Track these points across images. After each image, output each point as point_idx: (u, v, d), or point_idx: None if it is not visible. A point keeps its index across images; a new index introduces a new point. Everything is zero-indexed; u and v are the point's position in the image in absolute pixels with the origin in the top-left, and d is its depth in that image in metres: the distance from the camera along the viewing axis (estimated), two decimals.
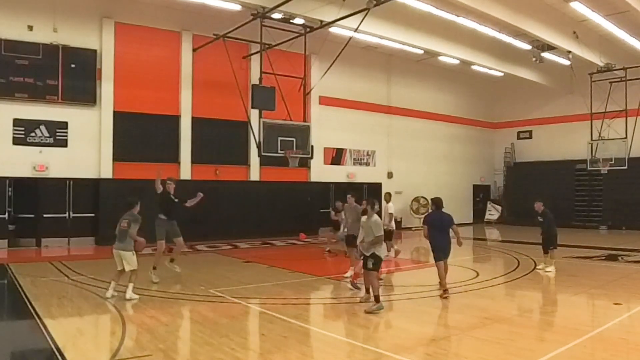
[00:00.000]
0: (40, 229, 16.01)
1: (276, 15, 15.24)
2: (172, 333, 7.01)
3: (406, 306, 8.86)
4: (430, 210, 10.22)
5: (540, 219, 12.08)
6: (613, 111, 22.12)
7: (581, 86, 22.60)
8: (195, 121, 18.62)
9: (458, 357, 5.80)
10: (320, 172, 21.59)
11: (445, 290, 9.03)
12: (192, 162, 18.58)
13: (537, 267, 12.13)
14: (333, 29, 16.84)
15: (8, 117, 15.41)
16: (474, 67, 23.18)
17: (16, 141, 15.54)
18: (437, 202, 9.46)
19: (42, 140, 15.93)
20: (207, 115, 18.77)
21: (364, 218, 8.56)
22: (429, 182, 24.83)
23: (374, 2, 14.01)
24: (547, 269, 11.70)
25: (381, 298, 7.95)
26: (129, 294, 8.58)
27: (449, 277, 9.18)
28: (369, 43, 20.73)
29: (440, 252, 9.25)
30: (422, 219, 12.51)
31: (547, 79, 24.67)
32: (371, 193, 22.81)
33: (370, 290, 8.06)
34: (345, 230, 10.74)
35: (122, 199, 16.39)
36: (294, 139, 15.43)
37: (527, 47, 20.41)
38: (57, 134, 16.15)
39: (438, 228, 9.23)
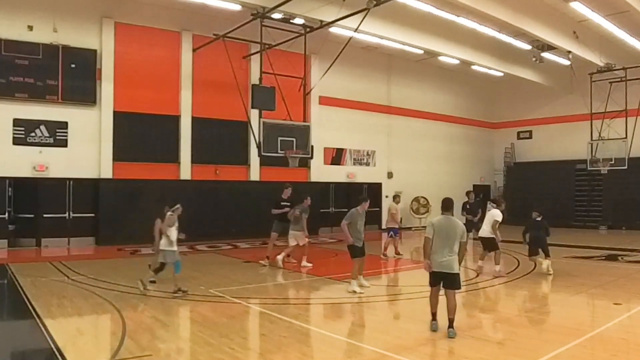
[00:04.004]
0: (40, 229, 16.01)
1: (276, 15, 15.22)
2: (172, 333, 7.02)
3: (406, 306, 8.85)
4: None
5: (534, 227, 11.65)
6: (613, 111, 22.10)
7: (581, 86, 22.58)
8: (195, 121, 18.62)
9: (458, 357, 5.80)
10: (320, 172, 21.58)
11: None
12: (192, 162, 18.57)
13: (548, 273, 11.27)
14: (333, 29, 16.83)
15: (8, 117, 15.40)
16: (474, 67, 23.16)
17: (16, 141, 15.54)
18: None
19: (42, 140, 15.92)
20: (207, 115, 18.76)
21: None
22: (429, 182, 24.83)
23: (374, 2, 14.00)
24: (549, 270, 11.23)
25: (381, 298, 7.95)
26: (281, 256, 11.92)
27: None
28: (369, 43, 20.72)
29: None
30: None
31: (547, 79, 24.67)
32: (371, 193, 22.86)
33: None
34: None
35: (122, 198, 16.71)
36: (294, 139, 15.41)
37: (527, 47, 20.40)
38: (57, 134, 16.15)
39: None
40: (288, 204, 12.56)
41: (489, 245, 11.42)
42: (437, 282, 6.75)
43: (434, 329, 6.67)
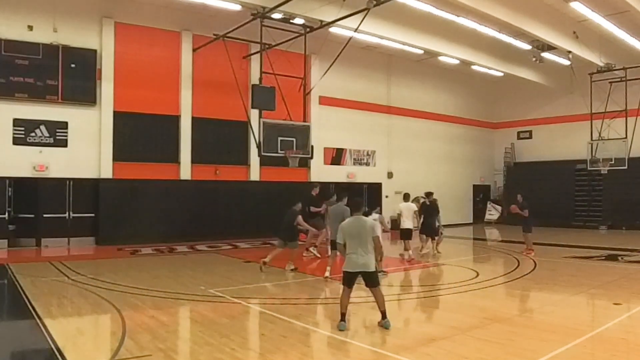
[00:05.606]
0: (40, 229, 16.01)
1: (276, 15, 15.22)
2: (172, 333, 7.01)
3: (406, 306, 8.86)
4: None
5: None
6: (613, 111, 22.12)
7: (581, 86, 22.59)
8: (195, 121, 18.62)
9: (458, 357, 5.80)
10: (320, 172, 21.58)
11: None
12: (192, 162, 18.57)
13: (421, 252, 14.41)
14: (333, 29, 16.83)
15: (8, 117, 15.41)
16: (474, 67, 23.17)
17: (16, 141, 15.54)
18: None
19: (42, 140, 15.92)
20: (207, 115, 18.76)
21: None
22: (429, 182, 24.74)
23: (374, 2, 14.00)
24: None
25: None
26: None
27: (448, 277, 9.21)
28: (369, 43, 20.72)
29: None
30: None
31: (547, 79, 24.67)
32: (371, 193, 22.87)
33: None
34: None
35: (122, 198, 16.72)
36: (294, 139, 15.42)
37: (527, 47, 20.41)
38: (57, 134, 16.15)
39: None
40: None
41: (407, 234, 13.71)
42: (352, 282, 6.96)
43: (341, 328, 6.78)
